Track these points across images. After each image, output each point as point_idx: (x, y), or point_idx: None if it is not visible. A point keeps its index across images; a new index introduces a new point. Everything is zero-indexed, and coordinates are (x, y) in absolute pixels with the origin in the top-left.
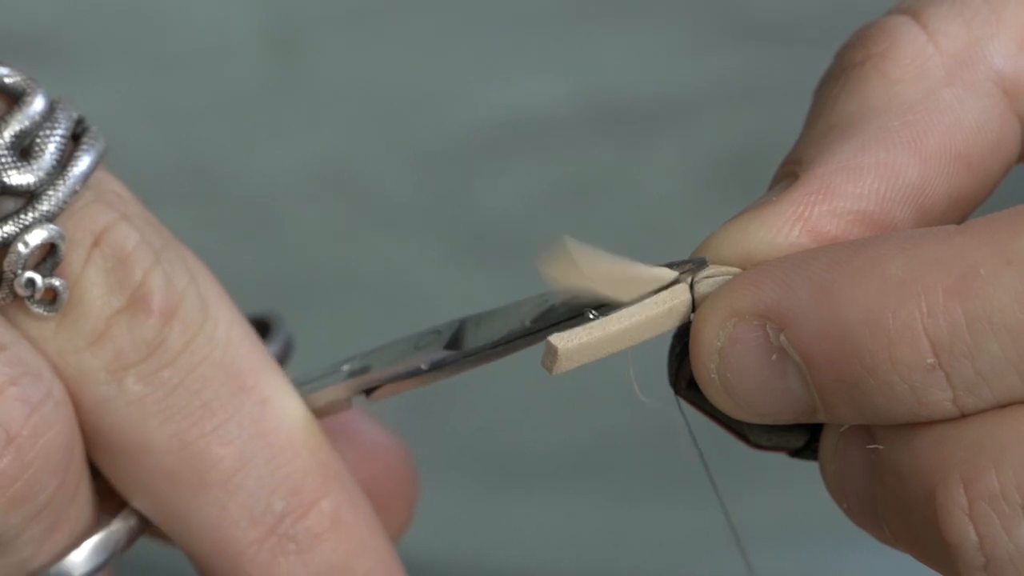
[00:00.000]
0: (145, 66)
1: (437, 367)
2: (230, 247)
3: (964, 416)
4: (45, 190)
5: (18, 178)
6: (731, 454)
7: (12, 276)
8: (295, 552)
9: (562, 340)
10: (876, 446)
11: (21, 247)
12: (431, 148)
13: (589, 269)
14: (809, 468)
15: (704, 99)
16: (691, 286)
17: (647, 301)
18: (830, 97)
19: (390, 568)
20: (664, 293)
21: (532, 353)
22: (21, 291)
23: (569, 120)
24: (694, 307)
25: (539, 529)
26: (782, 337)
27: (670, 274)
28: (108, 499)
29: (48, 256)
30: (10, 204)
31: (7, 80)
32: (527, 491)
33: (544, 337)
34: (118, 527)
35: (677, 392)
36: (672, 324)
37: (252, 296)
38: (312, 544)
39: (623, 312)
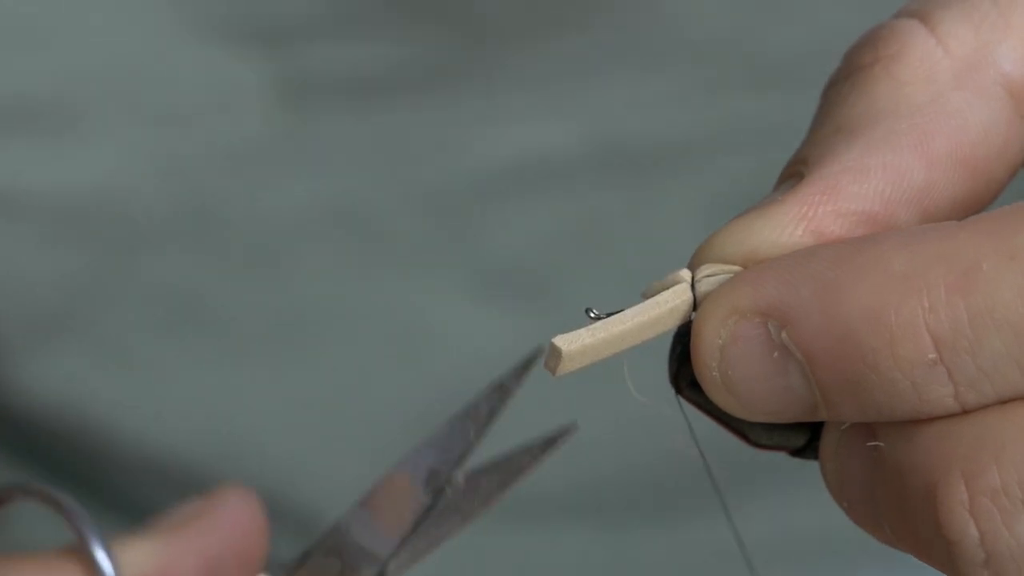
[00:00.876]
0: (152, 120)
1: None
2: (239, 289)
3: (965, 412)
4: None
5: None
6: (734, 469)
7: None
8: None
9: (565, 342)
10: (876, 443)
11: None
12: (442, 189)
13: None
14: (815, 483)
15: (712, 143)
16: (692, 285)
17: (649, 301)
18: (838, 98)
19: None
20: (666, 293)
21: (541, 380)
22: None
23: (579, 163)
24: (695, 306)
25: (547, 563)
26: (784, 334)
27: (686, 275)
28: None
29: None
30: None
31: None
32: (536, 525)
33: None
34: None
35: (678, 392)
36: (674, 323)
37: (261, 338)
38: None
39: (626, 313)
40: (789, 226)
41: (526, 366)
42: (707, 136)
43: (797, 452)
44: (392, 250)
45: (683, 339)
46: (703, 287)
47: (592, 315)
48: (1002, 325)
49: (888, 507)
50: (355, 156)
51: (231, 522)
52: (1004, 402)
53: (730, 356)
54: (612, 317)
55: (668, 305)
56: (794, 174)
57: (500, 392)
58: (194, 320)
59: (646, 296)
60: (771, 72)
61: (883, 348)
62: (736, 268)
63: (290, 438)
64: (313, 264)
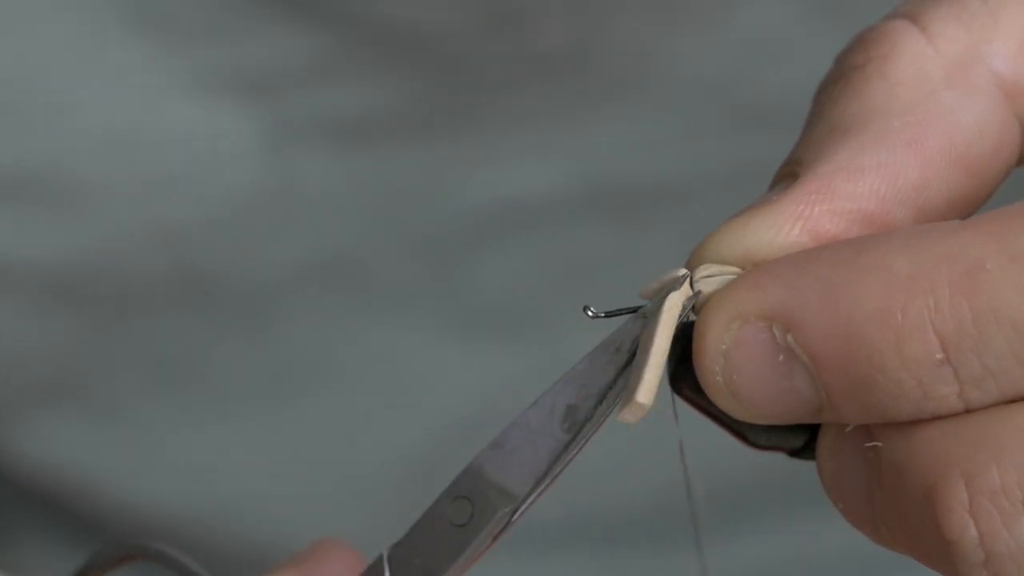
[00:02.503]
0: (141, 184)
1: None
2: (228, 345)
3: (968, 412)
4: None
5: None
6: (774, 487)
7: None
8: None
9: (643, 394)
10: (875, 443)
11: None
12: (429, 233)
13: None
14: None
15: (697, 184)
16: (690, 284)
17: (667, 316)
18: (830, 99)
19: None
20: (675, 296)
21: None
22: None
23: (565, 204)
24: (695, 307)
25: None
26: (789, 338)
27: (683, 275)
28: None
29: None
30: None
31: None
32: (536, 554)
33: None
34: None
35: (677, 393)
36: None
37: (253, 393)
38: None
39: (659, 336)
40: (785, 226)
41: (667, 293)
42: (693, 177)
43: (795, 452)
44: (381, 297)
45: (680, 340)
46: (703, 287)
47: (590, 313)
48: (1005, 324)
49: (886, 507)
50: (343, 204)
51: (336, 559)
52: (1006, 403)
53: (735, 360)
54: (653, 346)
55: (684, 309)
56: (788, 175)
57: (644, 323)
58: (185, 379)
59: (644, 295)
60: (756, 114)
61: (890, 348)
62: (733, 268)
63: (285, 492)
64: (302, 316)
